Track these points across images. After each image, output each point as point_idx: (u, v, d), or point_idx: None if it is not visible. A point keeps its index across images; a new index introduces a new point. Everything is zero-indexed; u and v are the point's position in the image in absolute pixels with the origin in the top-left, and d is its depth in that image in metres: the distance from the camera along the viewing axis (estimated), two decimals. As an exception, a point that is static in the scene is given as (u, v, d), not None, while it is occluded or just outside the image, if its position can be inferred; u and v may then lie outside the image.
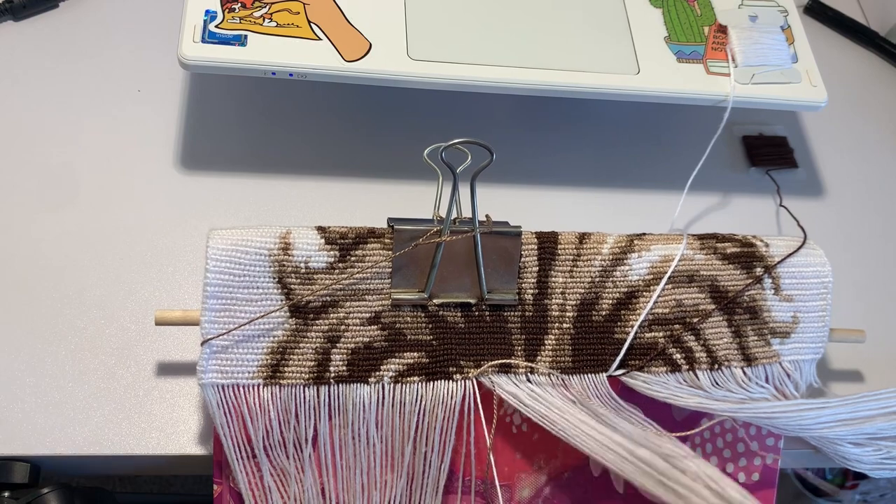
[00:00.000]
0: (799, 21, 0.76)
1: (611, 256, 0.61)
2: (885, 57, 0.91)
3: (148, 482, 1.20)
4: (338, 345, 0.56)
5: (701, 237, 0.63)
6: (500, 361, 0.58)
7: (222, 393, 0.54)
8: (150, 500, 0.95)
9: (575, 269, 0.60)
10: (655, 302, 0.60)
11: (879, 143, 0.85)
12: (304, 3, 0.66)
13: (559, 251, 0.60)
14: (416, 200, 0.69)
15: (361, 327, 0.57)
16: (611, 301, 0.60)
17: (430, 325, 0.58)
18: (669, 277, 0.61)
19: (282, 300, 0.56)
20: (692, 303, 0.61)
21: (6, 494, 0.57)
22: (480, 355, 0.58)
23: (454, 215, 0.56)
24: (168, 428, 0.59)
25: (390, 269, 0.58)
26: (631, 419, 0.60)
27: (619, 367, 0.59)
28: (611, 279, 0.61)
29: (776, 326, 0.62)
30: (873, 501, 1.24)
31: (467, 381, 0.57)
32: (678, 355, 0.60)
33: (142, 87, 0.74)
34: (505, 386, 0.57)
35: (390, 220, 0.58)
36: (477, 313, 0.59)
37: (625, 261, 0.61)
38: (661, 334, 0.60)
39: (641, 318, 0.60)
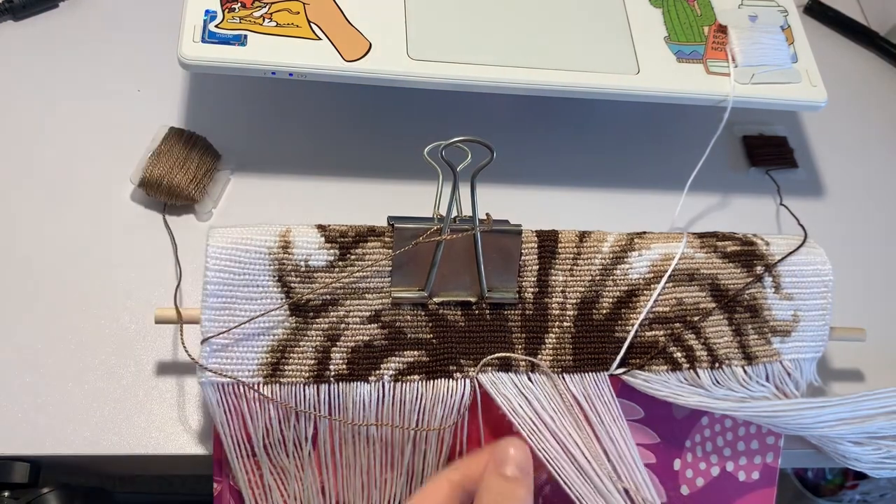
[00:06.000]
0: (799, 21, 0.76)
1: (611, 255, 0.61)
2: (885, 57, 0.91)
3: (148, 482, 1.20)
4: (338, 343, 0.56)
5: (701, 236, 0.63)
6: (500, 355, 0.58)
7: (222, 391, 0.54)
8: (150, 499, 0.94)
9: (575, 267, 0.60)
10: (656, 300, 0.60)
11: (879, 143, 0.85)
12: (304, 3, 0.66)
13: (559, 250, 0.60)
14: (416, 200, 0.69)
15: (361, 326, 0.57)
16: (611, 299, 0.60)
17: (431, 324, 0.58)
18: (670, 276, 0.61)
19: (282, 298, 0.56)
20: (693, 301, 0.61)
21: (6, 494, 0.57)
22: (481, 354, 0.58)
23: (454, 214, 0.56)
24: (168, 427, 0.59)
25: (390, 268, 0.58)
26: (622, 430, 0.59)
27: (619, 366, 0.59)
28: (611, 278, 0.61)
29: (777, 325, 0.62)
30: (873, 501, 1.24)
31: (467, 379, 0.57)
32: (679, 354, 0.60)
33: (142, 87, 0.74)
34: (501, 388, 0.57)
35: (390, 218, 0.58)
36: (477, 312, 0.59)
37: (625, 259, 0.61)
38: (661, 333, 0.60)
39: (642, 316, 0.60)
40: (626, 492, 0.56)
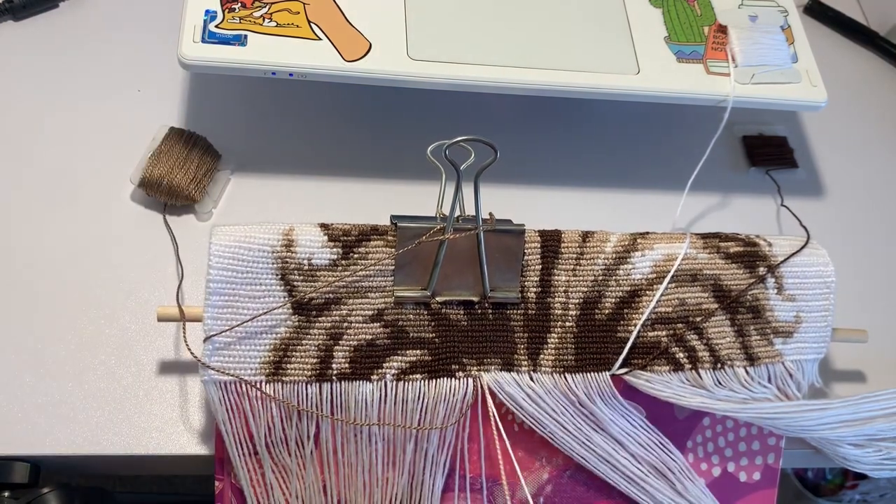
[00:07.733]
0: (799, 21, 0.76)
1: (614, 255, 0.61)
2: (885, 57, 0.91)
3: (148, 482, 1.20)
4: (340, 342, 0.56)
5: (704, 236, 0.63)
6: (502, 359, 0.58)
7: (225, 389, 0.54)
8: (150, 499, 0.94)
9: (578, 267, 0.60)
10: (658, 301, 0.60)
11: (879, 143, 0.85)
12: (304, 3, 0.66)
13: (562, 249, 0.60)
14: (416, 199, 0.69)
15: (364, 325, 0.57)
16: (614, 299, 0.60)
17: (433, 323, 0.58)
18: (672, 276, 0.61)
19: (284, 297, 0.56)
20: (695, 302, 0.61)
21: (6, 494, 0.56)
22: (483, 353, 0.58)
23: (457, 213, 0.56)
24: (168, 428, 0.59)
25: (393, 267, 0.57)
26: (632, 421, 0.60)
27: (622, 366, 0.59)
28: (614, 278, 0.61)
29: (779, 326, 0.62)
30: (873, 501, 1.24)
31: (469, 378, 0.57)
32: (681, 354, 0.60)
33: (142, 87, 0.73)
34: (505, 386, 0.57)
35: (393, 217, 0.58)
36: (480, 311, 0.59)
37: (628, 259, 0.61)
38: (664, 333, 0.60)
39: (644, 316, 0.60)
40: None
